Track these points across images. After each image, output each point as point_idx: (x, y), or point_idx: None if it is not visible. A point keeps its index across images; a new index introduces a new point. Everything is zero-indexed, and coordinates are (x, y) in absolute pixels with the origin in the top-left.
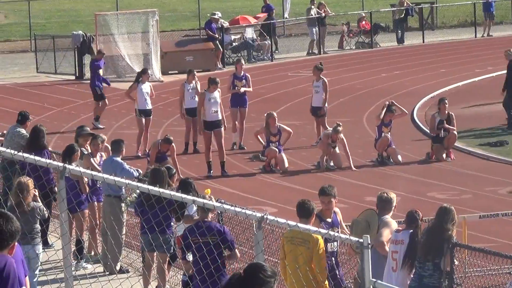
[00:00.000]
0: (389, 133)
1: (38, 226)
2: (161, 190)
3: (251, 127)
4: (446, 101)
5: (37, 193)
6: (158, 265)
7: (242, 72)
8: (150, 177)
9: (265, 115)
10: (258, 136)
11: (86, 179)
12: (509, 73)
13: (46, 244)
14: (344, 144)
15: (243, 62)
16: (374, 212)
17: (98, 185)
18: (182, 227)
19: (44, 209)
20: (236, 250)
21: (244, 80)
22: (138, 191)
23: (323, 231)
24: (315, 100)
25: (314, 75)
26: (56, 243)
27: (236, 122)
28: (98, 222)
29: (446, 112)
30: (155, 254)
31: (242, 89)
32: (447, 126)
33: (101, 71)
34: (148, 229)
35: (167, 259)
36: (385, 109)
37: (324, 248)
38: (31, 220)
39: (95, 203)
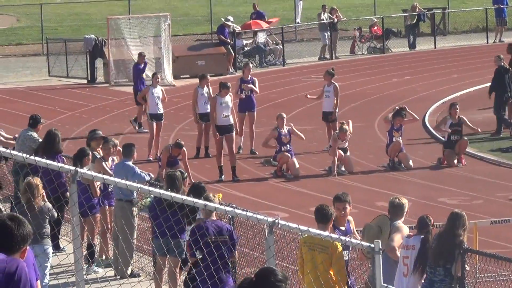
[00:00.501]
0: (400, 137)
1: (48, 226)
2: (173, 194)
3: (262, 132)
4: (457, 106)
5: (44, 193)
6: (169, 269)
7: (250, 76)
8: (166, 182)
9: None
10: (268, 144)
11: (97, 183)
12: (498, 78)
13: (57, 248)
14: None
15: (251, 66)
16: (386, 217)
17: (109, 189)
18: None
19: (53, 209)
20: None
21: (251, 84)
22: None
23: (335, 236)
24: (326, 105)
25: (325, 80)
26: (67, 247)
27: (244, 127)
28: (109, 226)
29: (457, 116)
30: (166, 258)
31: (250, 86)
32: (468, 124)
33: (144, 75)
34: (160, 233)
35: (179, 264)
36: (394, 112)
37: (342, 254)
38: (40, 221)
39: (107, 207)
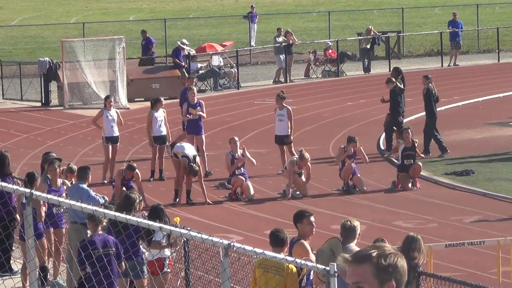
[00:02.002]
0: (353, 163)
1: None
2: (128, 216)
3: (218, 154)
4: (410, 130)
5: None
6: None
7: (196, 99)
8: (122, 202)
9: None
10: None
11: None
12: (393, 99)
13: (11, 271)
14: (308, 169)
15: (195, 90)
16: (338, 240)
17: (54, 211)
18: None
19: None
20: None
21: (198, 107)
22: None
23: (290, 258)
24: (279, 128)
25: (277, 103)
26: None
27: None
28: (58, 247)
29: (410, 140)
30: (123, 280)
31: (199, 114)
32: (418, 153)
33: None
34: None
35: (143, 285)
36: (347, 140)
37: (297, 277)
38: None
39: (51, 229)
